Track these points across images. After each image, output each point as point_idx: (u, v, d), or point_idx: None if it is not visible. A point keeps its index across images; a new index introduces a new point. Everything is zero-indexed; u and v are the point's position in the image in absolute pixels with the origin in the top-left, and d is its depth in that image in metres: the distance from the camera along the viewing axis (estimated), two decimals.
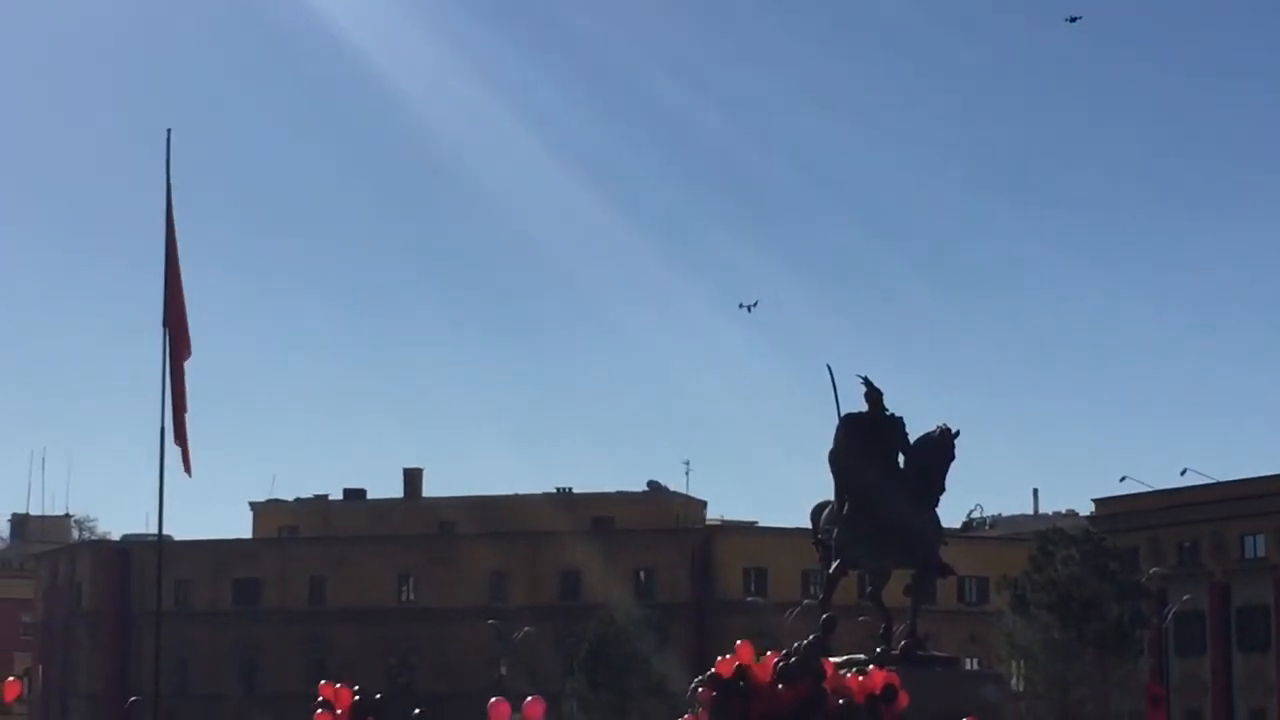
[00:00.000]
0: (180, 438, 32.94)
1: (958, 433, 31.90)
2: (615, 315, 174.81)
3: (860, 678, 25.27)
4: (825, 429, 32.35)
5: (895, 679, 25.15)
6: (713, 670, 24.52)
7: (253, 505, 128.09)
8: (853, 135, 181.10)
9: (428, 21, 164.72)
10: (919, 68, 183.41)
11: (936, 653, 33.79)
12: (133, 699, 52.28)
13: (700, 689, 24.56)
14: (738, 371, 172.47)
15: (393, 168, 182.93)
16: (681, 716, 25.67)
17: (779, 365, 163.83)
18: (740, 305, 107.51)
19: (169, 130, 34.71)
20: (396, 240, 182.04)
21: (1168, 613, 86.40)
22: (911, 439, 32.03)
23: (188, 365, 33.65)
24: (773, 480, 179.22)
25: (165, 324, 33.52)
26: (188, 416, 33.18)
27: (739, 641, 24.78)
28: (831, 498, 32.74)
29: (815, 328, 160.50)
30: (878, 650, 31.31)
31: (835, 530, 32.20)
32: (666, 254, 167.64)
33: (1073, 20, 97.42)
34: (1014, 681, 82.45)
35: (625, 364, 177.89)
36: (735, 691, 24.30)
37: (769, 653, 24.64)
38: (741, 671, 24.37)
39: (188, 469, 33.15)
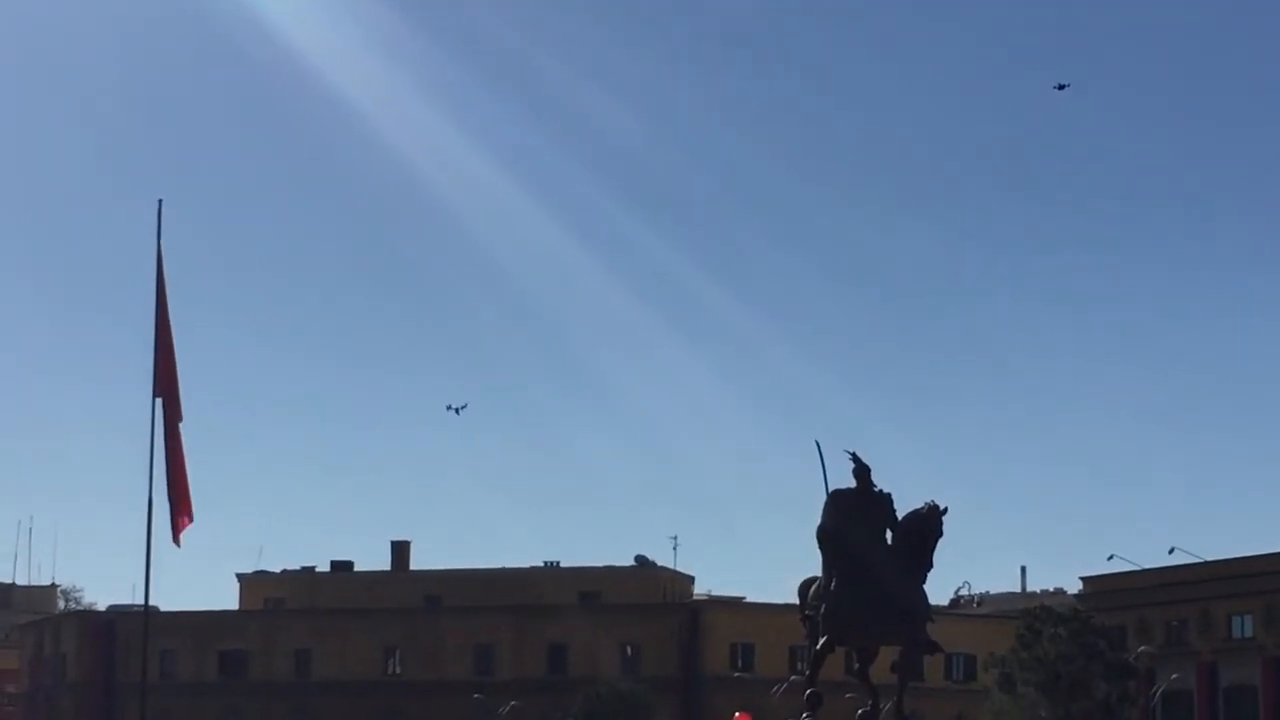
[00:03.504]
0: (184, 506, 32.79)
1: (945, 509, 31.93)
2: (605, 388, 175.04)
3: None
4: (814, 504, 32.36)
5: None
6: None
7: (239, 577, 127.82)
8: (846, 202, 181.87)
9: (430, 88, 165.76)
10: (913, 135, 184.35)
11: None
12: None
13: None
14: (726, 447, 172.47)
15: (387, 236, 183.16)
16: None
17: (768, 440, 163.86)
18: (448, 407, 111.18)
19: (160, 200, 34.87)
20: (387, 310, 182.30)
21: (1155, 692, 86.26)
22: (899, 515, 32.05)
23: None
24: (761, 556, 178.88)
25: (155, 393, 33.51)
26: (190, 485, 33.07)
27: (737, 713, 24.78)
28: (819, 573, 32.69)
29: (807, 402, 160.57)
30: None
31: (823, 606, 32.13)
32: (662, 324, 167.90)
33: (1061, 88, 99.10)
34: None
35: (614, 438, 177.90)
36: None
37: None
38: None
39: (177, 539, 33.05)
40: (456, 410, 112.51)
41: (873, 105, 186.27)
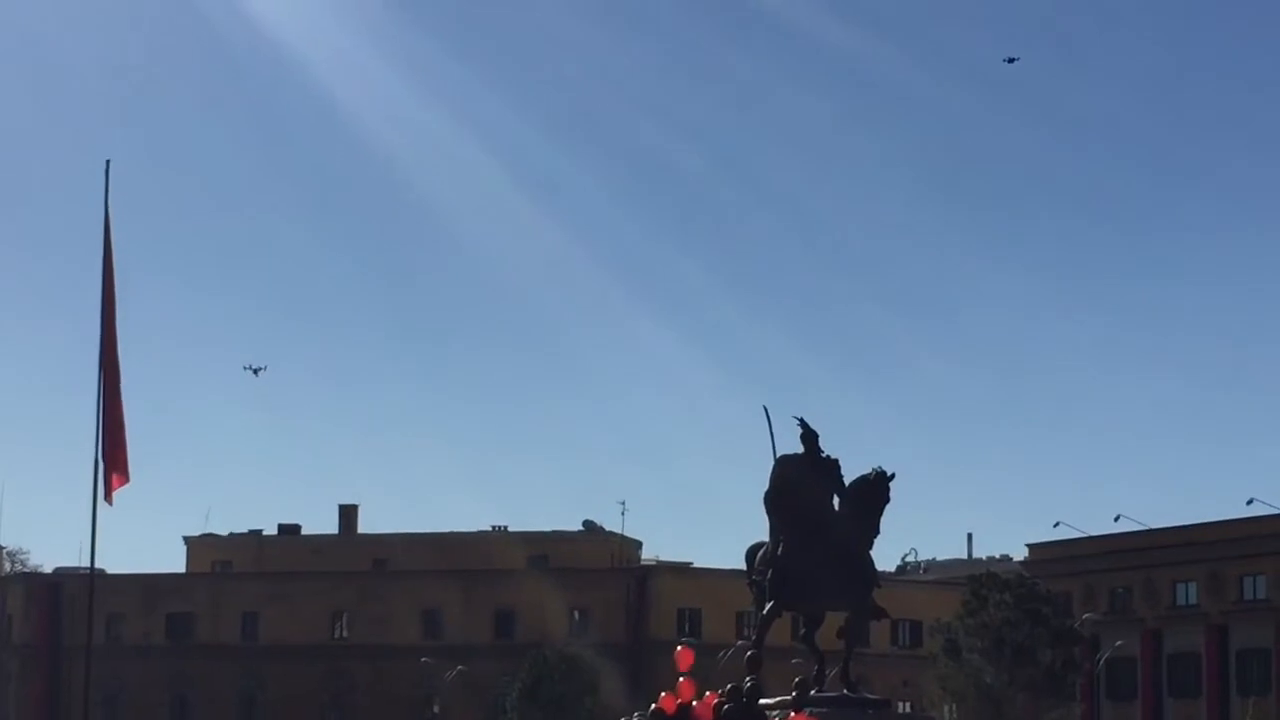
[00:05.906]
0: (120, 467, 32.60)
1: (893, 476, 32.05)
2: (554, 352, 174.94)
3: None
4: (762, 470, 32.40)
5: None
6: (656, 706, 24.55)
7: (186, 539, 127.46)
8: (799, 160, 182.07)
9: (398, 56, 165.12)
10: (869, 95, 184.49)
11: (869, 695, 33.86)
12: None
13: None
14: (675, 411, 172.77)
15: (339, 195, 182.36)
16: None
17: (716, 405, 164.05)
18: (246, 367, 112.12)
19: (108, 162, 34.54)
20: (339, 270, 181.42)
21: (1100, 659, 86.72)
22: (847, 481, 32.13)
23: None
24: (708, 521, 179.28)
25: (101, 353, 33.28)
26: (128, 447, 32.84)
27: (681, 679, 24.76)
28: (767, 539, 32.76)
29: (756, 366, 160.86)
30: (812, 692, 31.33)
31: (770, 571, 32.22)
32: (619, 283, 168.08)
33: (1010, 61, 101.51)
34: None
35: (563, 403, 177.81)
36: None
37: (707, 693, 24.69)
38: (684, 710, 24.42)
39: (109, 497, 32.80)
40: (255, 371, 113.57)
41: (832, 67, 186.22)
